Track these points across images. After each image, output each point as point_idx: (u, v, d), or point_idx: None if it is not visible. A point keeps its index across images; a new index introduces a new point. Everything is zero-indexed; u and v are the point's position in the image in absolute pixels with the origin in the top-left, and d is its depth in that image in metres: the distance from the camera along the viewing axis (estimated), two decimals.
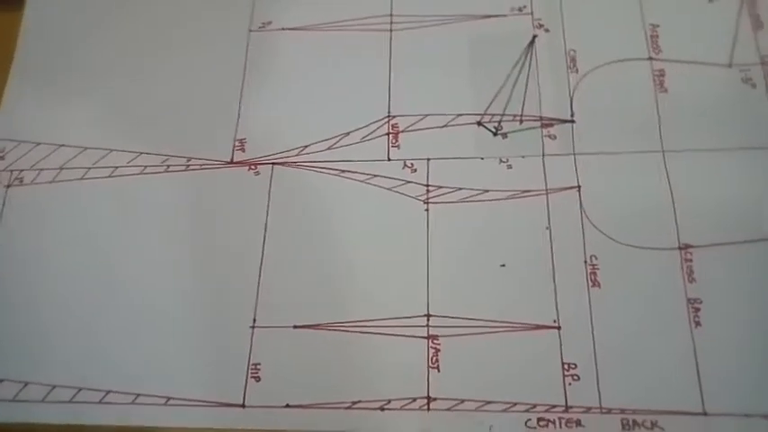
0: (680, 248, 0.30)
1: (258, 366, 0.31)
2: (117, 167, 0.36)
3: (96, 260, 0.34)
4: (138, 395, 0.31)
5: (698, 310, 0.29)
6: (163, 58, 0.38)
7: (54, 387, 0.32)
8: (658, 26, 0.35)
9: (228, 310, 0.32)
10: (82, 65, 0.38)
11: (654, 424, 0.28)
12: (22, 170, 0.36)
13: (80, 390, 0.32)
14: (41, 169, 0.36)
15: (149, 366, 0.32)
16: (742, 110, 0.32)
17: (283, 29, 0.38)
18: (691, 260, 0.30)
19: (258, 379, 0.31)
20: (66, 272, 0.34)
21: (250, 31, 0.38)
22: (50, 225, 0.35)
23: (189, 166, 0.35)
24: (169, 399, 0.31)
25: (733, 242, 0.30)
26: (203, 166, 0.35)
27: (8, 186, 0.36)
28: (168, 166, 0.35)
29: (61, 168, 0.36)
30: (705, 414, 0.28)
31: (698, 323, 0.29)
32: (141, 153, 0.36)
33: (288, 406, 0.30)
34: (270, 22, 0.38)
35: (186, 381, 0.31)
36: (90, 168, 0.36)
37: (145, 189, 0.35)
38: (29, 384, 0.32)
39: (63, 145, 0.37)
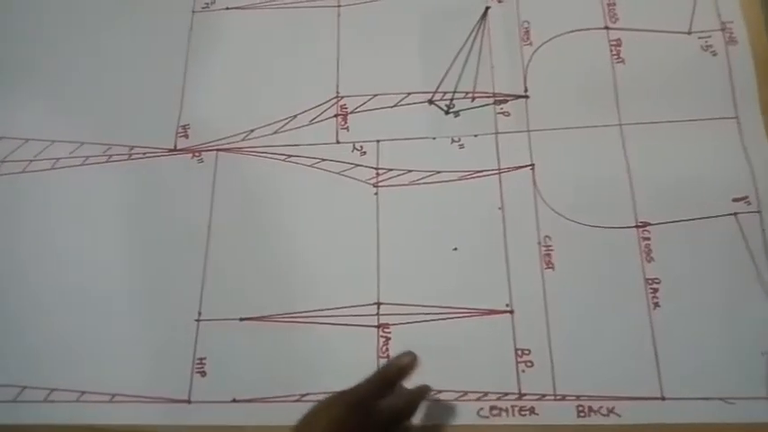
0: (637, 226, 0.29)
1: (204, 361, 0.30)
2: (59, 159, 0.34)
3: (36, 255, 0.33)
4: (83, 392, 0.30)
5: (656, 290, 0.28)
6: (102, 43, 0.36)
7: None
8: None
9: (173, 303, 0.31)
10: (18, 53, 0.37)
11: (610, 410, 0.27)
12: None
13: (23, 389, 0.31)
14: None
15: (93, 363, 0.31)
16: (702, 79, 0.31)
17: (228, 8, 0.36)
18: (648, 238, 0.29)
19: (204, 374, 0.30)
20: (3, 268, 0.33)
21: (193, 11, 0.36)
22: None
23: (131, 155, 0.34)
24: (114, 395, 0.30)
25: (692, 218, 0.29)
26: (146, 155, 0.34)
27: None
28: (110, 155, 0.34)
29: (2, 161, 0.35)
30: (663, 398, 0.27)
31: (656, 304, 0.28)
32: (83, 143, 0.35)
33: (235, 401, 0.29)
34: (213, 2, 0.36)
35: (131, 377, 0.30)
36: (31, 161, 0.35)
37: (87, 180, 0.34)
38: None
39: (3, 137, 0.35)
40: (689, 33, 0.32)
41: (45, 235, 0.33)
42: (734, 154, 0.30)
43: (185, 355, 0.30)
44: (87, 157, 0.34)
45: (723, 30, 0.31)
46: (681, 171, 0.30)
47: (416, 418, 0.28)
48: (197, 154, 0.33)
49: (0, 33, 0.38)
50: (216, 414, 0.29)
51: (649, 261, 0.29)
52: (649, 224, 0.29)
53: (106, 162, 0.34)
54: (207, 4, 0.36)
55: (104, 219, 0.33)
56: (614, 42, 0.32)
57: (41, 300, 0.32)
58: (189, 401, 0.29)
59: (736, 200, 0.29)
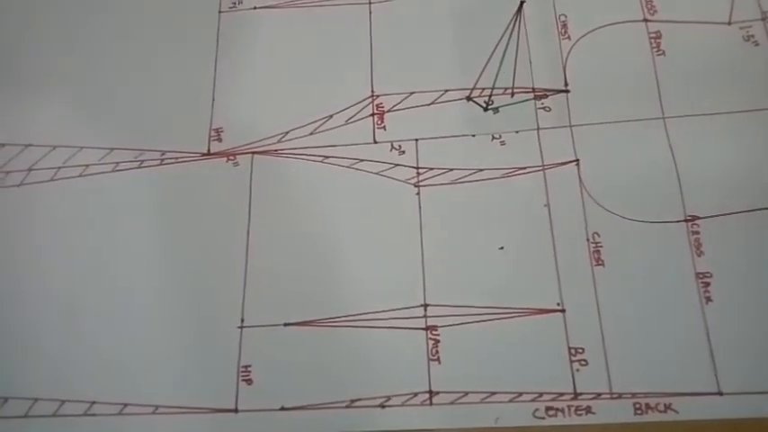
0: (686, 220, 0.29)
1: (249, 368, 0.29)
2: (88, 165, 0.34)
3: (72, 266, 0.32)
4: (125, 405, 0.30)
5: (708, 284, 0.28)
6: (129, 47, 0.36)
7: (36, 401, 0.30)
8: None
9: (214, 310, 0.30)
10: (46, 59, 0.36)
11: (667, 407, 0.27)
12: None
13: (63, 402, 0.30)
14: (8, 172, 0.34)
15: (134, 374, 0.30)
16: (745, 70, 0.31)
17: (255, 8, 0.35)
18: (698, 232, 0.29)
19: (250, 382, 0.29)
20: (39, 280, 0.32)
21: (220, 12, 0.36)
22: (21, 230, 0.33)
23: (163, 160, 0.33)
24: (158, 407, 0.29)
25: (741, 211, 0.29)
26: (179, 160, 0.33)
27: None
28: (142, 161, 0.33)
29: (30, 170, 0.34)
30: (720, 394, 0.26)
31: (708, 298, 0.28)
32: (113, 149, 0.34)
33: (283, 408, 0.29)
34: (240, 2, 0.36)
35: (174, 387, 0.29)
36: (60, 168, 0.34)
37: (119, 187, 0.33)
38: (9, 400, 0.30)
39: (30, 145, 0.35)
40: (729, 24, 0.31)
41: (77, 244, 0.32)
42: None
43: (230, 364, 0.29)
44: (118, 163, 0.34)
45: (764, 19, 0.31)
46: (727, 163, 0.29)
47: (471, 423, 0.27)
48: (232, 157, 0.33)
49: (25, 39, 0.37)
50: (264, 423, 0.28)
51: (699, 255, 0.28)
52: (698, 218, 0.29)
53: (138, 168, 0.33)
54: (234, 3, 0.36)
55: (139, 226, 0.32)
56: (653, 35, 0.32)
57: (77, 311, 0.31)
58: (236, 411, 0.29)
59: None
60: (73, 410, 0.30)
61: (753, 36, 0.31)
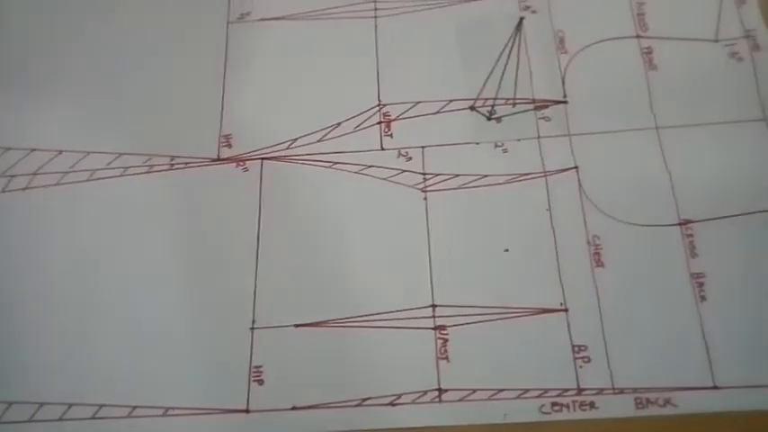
0: (680, 224, 0.30)
1: (260, 369, 0.30)
2: (96, 170, 0.34)
3: (80, 269, 0.32)
4: (135, 407, 0.30)
5: (702, 284, 0.29)
6: (139, 54, 0.36)
7: (42, 405, 0.30)
8: (644, 3, 0.35)
9: (226, 312, 0.31)
10: (53, 64, 0.36)
11: (667, 401, 0.28)
12: None
13: (70, 406, 0.30)
14: (13, 176, 0.34)
15: (144, 376, 0.30)
16: (730, 84, 0.33)
17: (263, 19, 0.36)
18: (692, 235, 0.30)
19: (261, 382, 0.29)
20: (49, 283, 0.32)
21: (228, 22, 0.36)
22: (28, 235, 0.33)
23: (173, 165, 0.34)
24: (168, 409, 0.29)
25: (732, 215, 0.30)
26: (188, 165, 0.34)
27: None
28: (151, 166, 0.34)
29: (35, 174, 0.34)
30: (716, 388, 0.28)
31: (703, 297, 0.29)
32: (121, 154, 0.34)
33: (294, 408, 0.29)
34: (249, 13, 0.37)
35: (185, 389, 0.30)
36: (67, 173, 0.34)
37: (127, 191, 0.33)
38: (13, 404, 0.30)
39: (35, 149, 0.35)
40: (715, 41, 0.33)
41: (84, 248, 0.33)
42: (764, 153, 0.31)
43: (241, 364, 0.30)
44: (126, 168, 0.34)
45: (747, 37, 0.33)
46: (717, 170, 0.31)
47: (482, 419, 0.28)
48: (241, 163, 0.33)
49: (32, 43, 0.37)
50: (276, 422, 0.29)
51: (694, 257, 0.30)
52: (691, 221, 0.30)
53: (147, 173, 0.34)
54: (242, 15, 0.37)
55: (148, 231, 0.33)
56: (646, 50, 0.34)
57: (86, 315, 0.31)
58: (247, 411, 0.29)
59: None
60: (81, 414, 0.30)
61: (737, 53, 0.33)
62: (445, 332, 0.30)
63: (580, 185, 0.31)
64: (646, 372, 0.28)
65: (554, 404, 0.28)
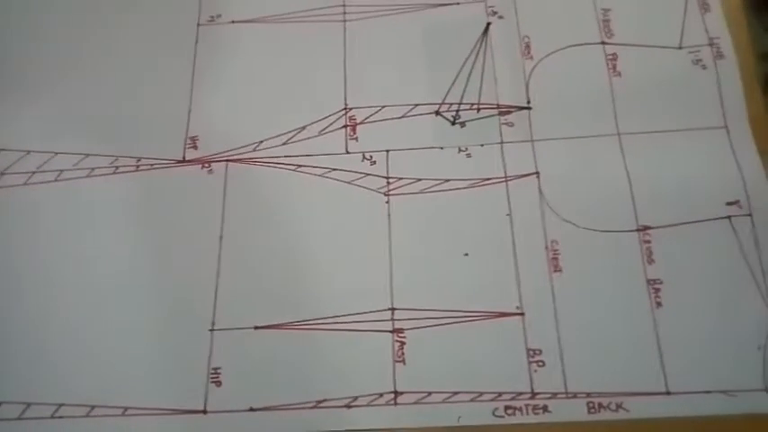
0: (638, 230, 0.31)
1: (219, 370, 0.30)
2: (63, 171, 0.34)
3: (43, 268, 0.32)
4: (94, 407, 0.30)
5: (658, 290, 0.30)
6: (108, 55, 0.36)
7: (0, 404, 0.30)
8: (610, 10, 0.35)
9: (186, 313, 0.31)
10: (21, 65, 0.37)
11: (619, 406, 0.28)
12: None
13: (29, 405, 0.30)
14: None
15: (103, 376, 0.30)
16: (693, 91, 0.33)
17: (233, 21, 0.37)
18: (649, 241, 0.30)
19: (219, 383, 0.30)
20: (10, 282, 0.32)
21: (198, 24, 0.37)
22: None
23: (139, 166, 0.34)
24: (126, 409, 0.30)
25: (689, 222, 0.30)
26: (154, 166, 0.34)
27: None
28: (117, 167, 0.34)
29: (2, 174, 0.34)
30: (668, 393, 0.28)
31: (659, 303, 0.29)
32: (88, 155, 0.34)
33: (252, 409, 0.29)
34: (219, 15, 0.37)
35: (144, 389, 0.30)
36: (34, 173, 0.34)
37: (93, 192, 0.34)
38: None
39: (3, 149, 0.35)
40: (680, 48, 0.34)
41: (49, 248, 0.33)
42: (724, 161, 0.31)
43: (200, 366, 0.30)
44: (93, 169, 0.34)
45: (711, 45, 0.33)
46: (677, 177, 0.31)
47: (435, 422, 0.28)
48: (206, 165, 0.34)
49: (1, 42, 0.37)
50: (233, 423, 0.29)
51: (651, 263, 0.30)
52: (650, 228, 0.31)
53: (113, 174, 0.34)
54: (212, 17, 0.37)
55: (112, 230, 0.33)
56: (610, 57, 0.34)
57: (46, 314, 0.31)
58: (205, 412, 0.29)
59: (729, 203, 0.30)
60: (40, 413, 0.30)
61: (701, 60, 0.33)
62: (403, 335, 0.30)
63: (540, 191, 0.32)
64: (599, 376, 0.28)
65: (507, 408, 0.28)
